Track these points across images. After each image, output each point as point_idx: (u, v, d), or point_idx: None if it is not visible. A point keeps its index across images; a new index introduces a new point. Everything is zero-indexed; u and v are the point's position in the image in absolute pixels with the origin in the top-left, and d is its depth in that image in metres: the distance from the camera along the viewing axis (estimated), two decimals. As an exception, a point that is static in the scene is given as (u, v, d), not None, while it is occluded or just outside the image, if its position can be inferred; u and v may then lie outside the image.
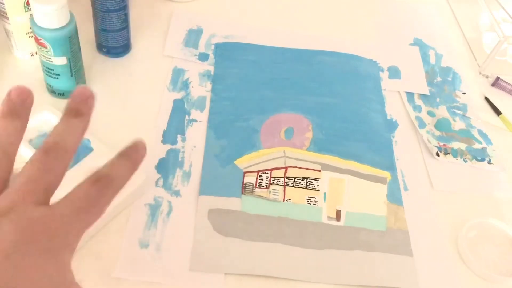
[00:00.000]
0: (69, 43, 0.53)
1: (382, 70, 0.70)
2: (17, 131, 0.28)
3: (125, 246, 0.46)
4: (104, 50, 0.63)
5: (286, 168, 0.55)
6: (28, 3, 0.55)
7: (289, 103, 0.62)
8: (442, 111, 0.65)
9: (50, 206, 0.26)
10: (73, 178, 0.51)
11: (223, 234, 0.49)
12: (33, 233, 0.24)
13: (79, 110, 0.28)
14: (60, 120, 0.29)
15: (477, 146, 0.62)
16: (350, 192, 0.54)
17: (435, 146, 0.61)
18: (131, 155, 0.29)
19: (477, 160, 0.60)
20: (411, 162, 0.59)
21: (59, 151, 0.27)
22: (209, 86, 0.62)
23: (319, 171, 0.55)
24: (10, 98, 0.28)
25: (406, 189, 0.56)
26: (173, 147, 0.55)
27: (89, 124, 0.29)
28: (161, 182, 0.52)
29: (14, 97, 0.28)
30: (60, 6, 0.50)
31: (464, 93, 0.69)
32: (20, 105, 0.28)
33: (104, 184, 0.27)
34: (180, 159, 0.54)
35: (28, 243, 0.24)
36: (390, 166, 0.57)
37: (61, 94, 0.57)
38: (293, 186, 0.54)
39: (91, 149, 0.50)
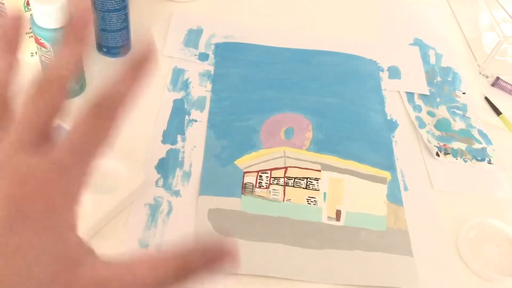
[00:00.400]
0: (69, 43, 0.53)
1: (382, 70, 0.70)
2: (8, 67, 0.24)
3: (125, 246, 0.46)
4: (104, 50, 0.63)
5: (286, 168, 0.55)
6: (28, 3, 0.55)
7: (289, 103, 0.62)
8: (442, 111, 0.65)
9: (46, 154, 0.22)
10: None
11: (223, 234, 0.49)
12: (29, 191, 0.20)
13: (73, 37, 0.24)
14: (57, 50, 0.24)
15: (477, 146, 0.62)
16: (350, 192, 0.54)
17: (435, 146, 0.61)
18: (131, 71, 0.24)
19: (477, 160, 0.60)
20: (411, 162, 0.59)
21: (52, 84, 0.23)
22: (209, 86, 0.62)
23: (319, 171, 0.55)
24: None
25: (406, 189, 0.56)
26: (173, 147, 0.55)
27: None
28: (161, 182, 0.52)
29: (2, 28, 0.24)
30: (60, 6, 0.50)
31: (464, 93, 0.69)
32: (7, 35, 0.24)
33: (103, 115, 0.22)
34: (180, 159, 0.54)
35: (25, 204, 0.20)
36: (390, 166, 0.57)
37: (61, 94, 0.57)
38: (293, 186, 0.54)
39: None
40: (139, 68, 0.24)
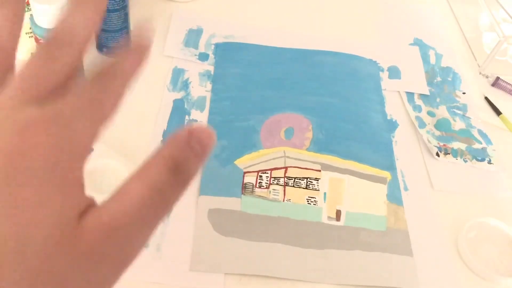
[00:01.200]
0: (69, 43, 0.53)
1: (382, 70, 0.70)
2: (9, 19, 0.21)
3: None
4: (104, 50, 0.63)
5: (286, 168, 0.55)
6: (28, 3, 0.55)
7: (289, 103, 0.62)
8: (442, 111, 0.65)
9: (51, 106, 0.19)
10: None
11: (223, 234, 0.49)
12: (29, 142, 0.18)
13: None
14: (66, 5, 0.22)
15: (477, 146, 0.62)
16: (350, 192, 0.54)
17: (435, 146, 0.61)
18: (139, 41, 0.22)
19: (477, 160, 0.60)
20: (411, 162, 0.59)
21: (65, 37, 0.21)
22: (209, 86, 0.62)
23: (319, 171, 0.55)
24: None
25: (406, 189, 0.56)
26: (173, 147, 0.55)
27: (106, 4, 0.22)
28: (161, 182, 0.52)
29: None
30: (60, 6, 0.50)
31: (464, 93, 0.69)
32: None
33: (111, 78, 0.22)
34: (180, 159, 0.54)
35: (24, 155, 0.18)
36: (390, 166, 0.57)
37: (61, 94, 0.57)
38: (293, 186, 0.54)
39: (91, 149, 0.50)
40: (139, 52, 0.23)
